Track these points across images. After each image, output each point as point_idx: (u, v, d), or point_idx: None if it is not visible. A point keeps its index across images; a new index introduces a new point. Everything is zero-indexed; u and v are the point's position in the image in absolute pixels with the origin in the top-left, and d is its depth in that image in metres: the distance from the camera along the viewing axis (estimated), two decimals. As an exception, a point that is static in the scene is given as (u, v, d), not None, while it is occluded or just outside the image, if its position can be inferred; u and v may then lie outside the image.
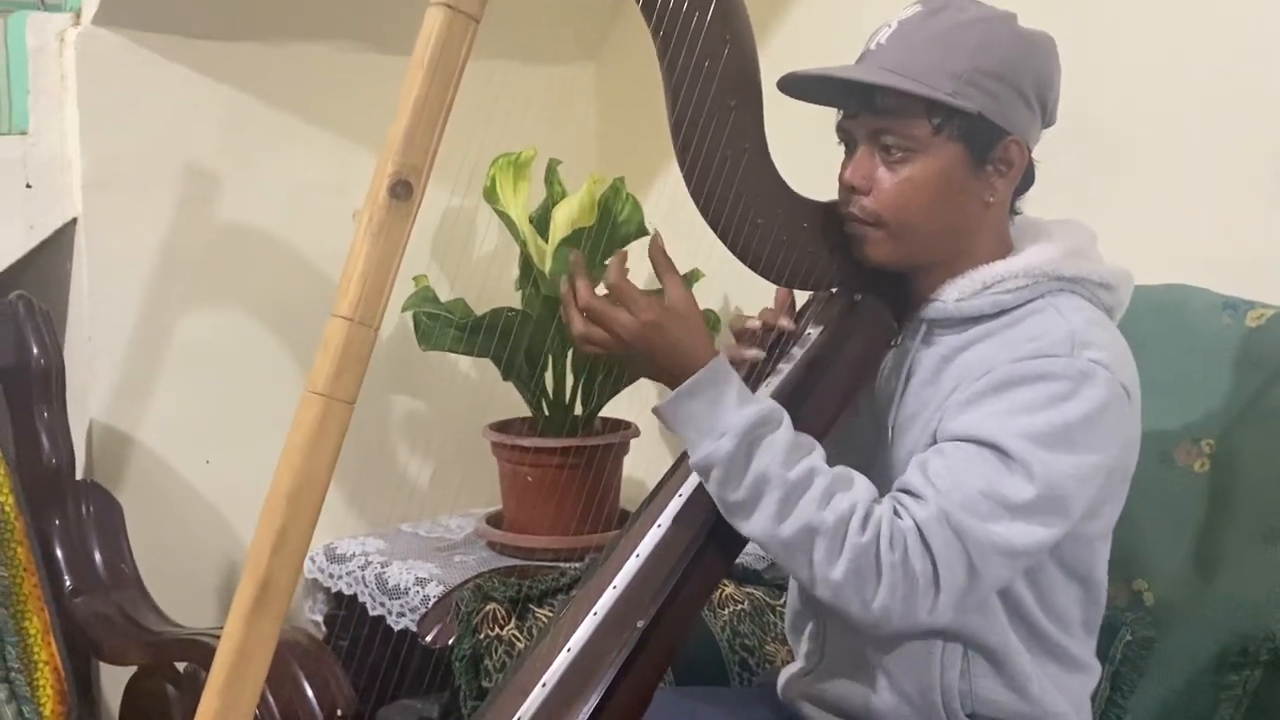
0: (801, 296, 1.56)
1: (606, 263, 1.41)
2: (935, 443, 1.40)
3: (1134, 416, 1.41)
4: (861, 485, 1.36)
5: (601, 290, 1.40)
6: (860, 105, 1.40)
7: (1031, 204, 1.50)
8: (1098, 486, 1.38)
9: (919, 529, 1.32)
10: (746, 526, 1.35)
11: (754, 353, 1.48)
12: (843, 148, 1.45)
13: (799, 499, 1.32)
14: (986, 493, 1.32)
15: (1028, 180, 1.46)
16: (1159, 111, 1.96)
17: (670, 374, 1.38)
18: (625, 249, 1.45)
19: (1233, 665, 1.65)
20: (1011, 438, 1.33)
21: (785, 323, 1.50)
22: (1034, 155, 1.44)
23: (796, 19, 2.34)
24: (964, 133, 1.37)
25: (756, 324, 1.51)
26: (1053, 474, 1.33)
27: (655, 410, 1.39)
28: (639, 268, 1.46)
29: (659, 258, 1.40)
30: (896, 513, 1.33)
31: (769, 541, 1.34)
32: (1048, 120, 1.43)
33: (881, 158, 1.40)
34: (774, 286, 1.52)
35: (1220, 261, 1.85)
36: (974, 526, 1.32)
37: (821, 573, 1.32)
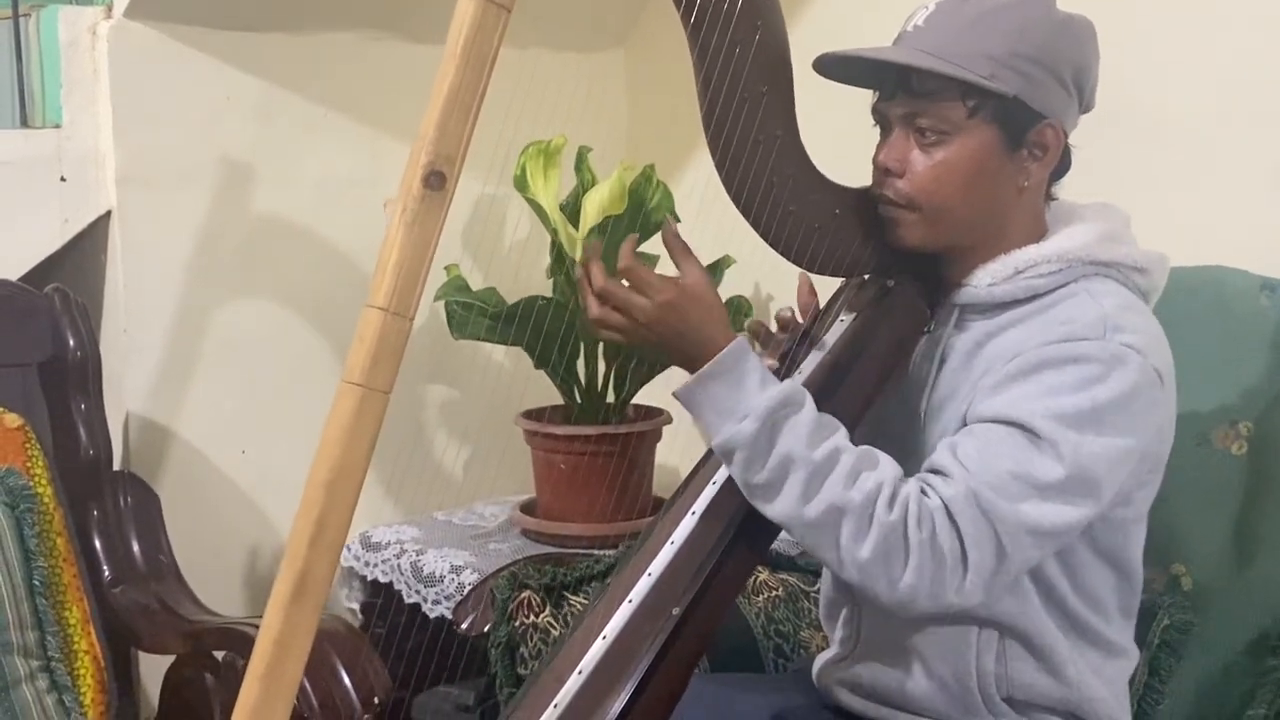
0: (833, 283, 1.56)
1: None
2: (965, 424, 1.39)
3: (1167, 402, 1.41)
4: (887, 464, 1.35)
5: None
6: (896, 87, 1.40)
7: (1066, 186, 1.49)
8: (1128, 471, 1.37)
9: (946, 508, 1.31)
10: (771, 509, 1.34)
11: (770, 363, 1.48)
12: (877, 131, 1.45)
13: (825, 479, 1.32)
14: (1015, 473, 1.32)
15: (1064, 165, 1.45)
16: (1196, 91, 1.95)
17: (689, 357, 1.37)
18: (634, 234, 1.43)
19: (1272, 649, 1.65)
20: (1041, 419, 1.32)
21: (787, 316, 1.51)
22: (1070, 139, 1.43)
23: (828, 2, 2.33)
24: (999, 116, 1.37)
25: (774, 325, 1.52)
26: (1082, 455, 1.32)
27: (675, 394, 1.38)
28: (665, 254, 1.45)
29: (673, 242, 1.40)
30: (924, 492, 1.33)
31: (794, 523, 1.33)
32: (1085, 105, 1.42)
33: (916, 140, 1.40)
34: (805, 272, 1.52)
35: (1258, 242, 1.83)
36: (1002, 506, 1.31)
37: (849, 553, 1.32)
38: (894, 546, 1.31)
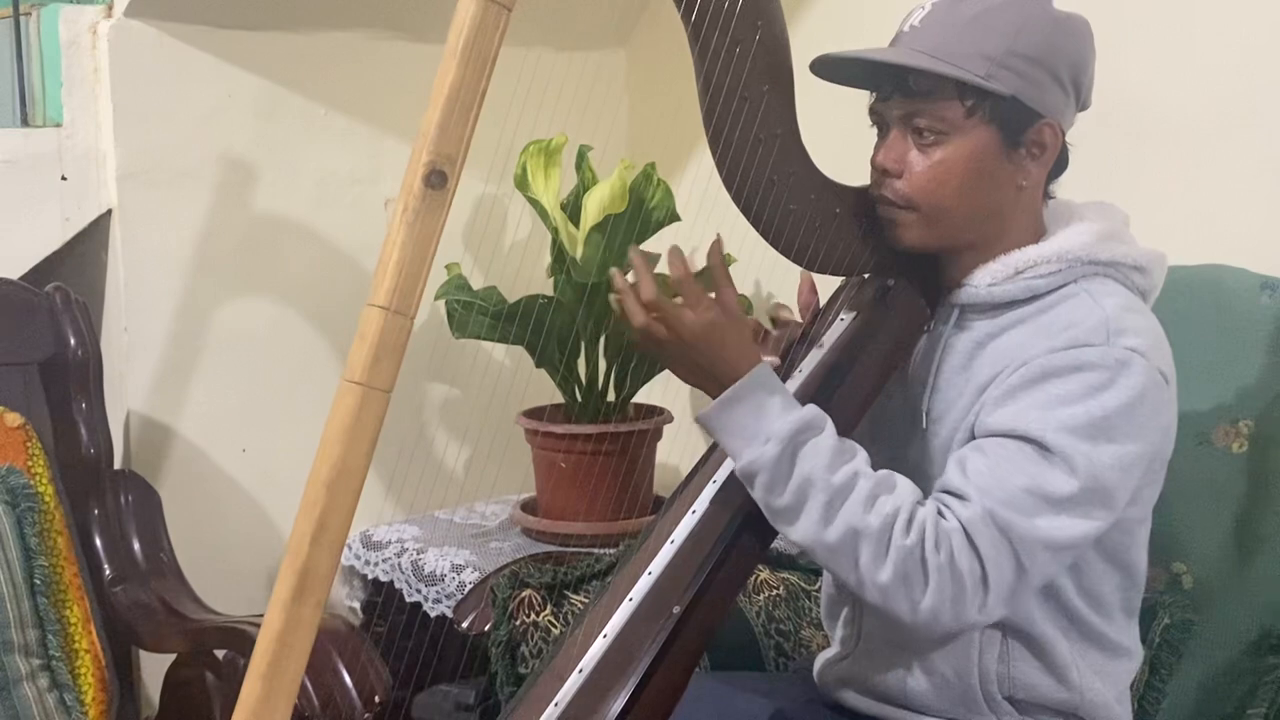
0: (834, 282, 1.56)
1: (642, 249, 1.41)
2: (972, 436, 1.39)
3: (1171, 402, 1.41)
4: (905, 488, 1.36)
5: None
6: (893, 88, 1.40)
7: (1064, 185, 1.49)
8: (1138, 475, 1.37)
9: (964, 529, 1.32)
10: (792, 531, 1.35)
11: (771, 360, 1.49)
12: (875, 131, 1.45)
13: (843, 503, 1.32)
14: (1029, 489, 1.32)
15: (1062, 164, 1.45)
16: (1196, 90, 1.95)
17: (716, 378, 1.38)
18: (678, 248, 1.44)
19: (1272, 647, 1.65)
20: (1051, 431, 1.32)
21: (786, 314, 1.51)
22: (1067, 137, 1.43)
23: (828, 2, 2.34)
24: (997, 116, 1.37)
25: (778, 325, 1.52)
26: (1095, 466, 1.32)
27: (698, 418, 1.39)
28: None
29: (718, 265, 1.41)
30: (940, 514, 1.34)
31: (815, 545, 1.34)
32: (1082, 103, 1.42)
33: (914, 140, 1.40)
34: (806, 270, 1.52)
35: (1258, 241, 1.83)
36: (1019, 523, 1.32)
37: (868, 576, 1.32)
38: (913, 570, 1.31)
